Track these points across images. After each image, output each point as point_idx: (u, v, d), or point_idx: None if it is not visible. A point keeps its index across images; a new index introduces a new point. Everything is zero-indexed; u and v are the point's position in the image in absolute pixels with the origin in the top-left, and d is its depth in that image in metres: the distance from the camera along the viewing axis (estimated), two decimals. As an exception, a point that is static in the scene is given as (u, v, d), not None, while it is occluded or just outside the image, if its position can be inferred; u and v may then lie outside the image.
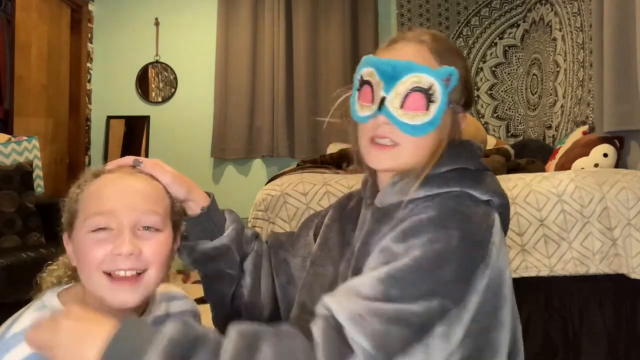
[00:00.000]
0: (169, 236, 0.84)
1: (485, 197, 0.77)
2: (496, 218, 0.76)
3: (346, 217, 0.92)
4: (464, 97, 0.84)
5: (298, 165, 2.42)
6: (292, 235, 1.03)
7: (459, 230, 0.70)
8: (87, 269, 0.78)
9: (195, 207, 0.90)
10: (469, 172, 0.80)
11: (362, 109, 0.82)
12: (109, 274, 0.77)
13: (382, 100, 0.78)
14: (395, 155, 0.79)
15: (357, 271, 0.77)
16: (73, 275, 0.88)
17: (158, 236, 0.82)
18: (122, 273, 0.77)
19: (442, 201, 0.75)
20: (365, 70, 0.82)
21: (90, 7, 4.24)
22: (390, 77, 0.78)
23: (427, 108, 0.77)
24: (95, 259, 0.77)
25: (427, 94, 0.77)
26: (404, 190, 0.78)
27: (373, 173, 0.87)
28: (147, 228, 0.81)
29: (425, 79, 0.77)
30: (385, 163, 0.80)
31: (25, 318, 0.78)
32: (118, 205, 0.79)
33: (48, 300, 0.82)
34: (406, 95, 0.77)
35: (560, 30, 3.14)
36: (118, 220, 0.78)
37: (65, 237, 0.85)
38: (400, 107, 0.77)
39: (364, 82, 0.82)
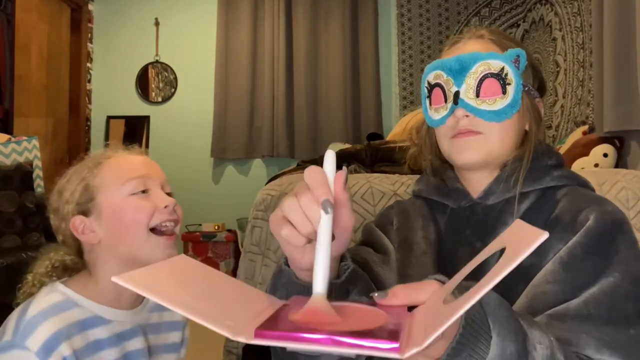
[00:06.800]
0: None
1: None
2: None
3: (410, 226, 0.86)
4: (537, 82, 0.82)
5: (298, 165, 2.42)
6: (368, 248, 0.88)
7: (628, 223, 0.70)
8: (135, 228, 0.86)
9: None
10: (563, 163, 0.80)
11: (436, 113, 0.79)
12: (152, 231, 0.87)
13: (456, 94, 0.75)
14: (481, 142, 0.75)
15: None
16: (59, 275, 0.91)
17: (175, 199, 0.93)
18: (168, 224, 0.89)
19: (588, 194, 0.74)
20: (431, 75, 0.80)
21: (90, 7, 4.24)
22: (459, 71, 0.76)
23: (504, 91, 0.74)
24: (145, 215, 0.86)
25: (501, 78, 0.74)
26: (515, 184, 0.75)
27: (454, 179, 0.83)
28: (167, 194, 0.92)
29: (495, 64, 0.75)
30: (472, 154, 0.76)
31: (36, 302, 0.82)
32: (148, 171, 0.91)
33: (55, 286, 0.86)
34: (479, 84, 0.75)
35: (560, 30, 3.14)
36: (152, 183, 0.90)
37: (75, 220, 0.87)
38: (477, 96, 0.75)
39: (432, 87, 0.79)
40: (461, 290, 0.45)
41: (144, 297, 0.92)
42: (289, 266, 0.64)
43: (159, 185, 0.91)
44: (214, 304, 0.49)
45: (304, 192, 0.53)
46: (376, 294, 0.49)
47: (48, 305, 0.81)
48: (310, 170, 0.54)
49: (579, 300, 0.63)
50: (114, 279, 0.44)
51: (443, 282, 0.50)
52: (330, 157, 0.55)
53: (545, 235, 0.40)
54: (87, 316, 0.84)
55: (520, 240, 0.43)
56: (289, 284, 0.64)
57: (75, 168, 0.92)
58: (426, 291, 0.48)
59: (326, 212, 0.51)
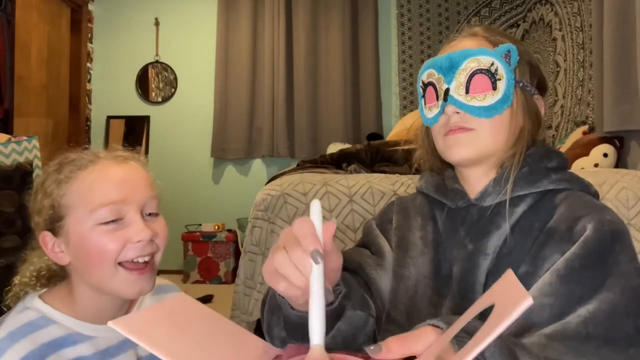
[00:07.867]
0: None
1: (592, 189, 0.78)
2: None
3: (409, 225, 0.86)
4: (536, 79, 0.80)
5: (298, 165, 2.42)
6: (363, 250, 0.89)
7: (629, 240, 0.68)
8: (100, 263, 0.77)
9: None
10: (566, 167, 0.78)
11: (430, 111, 0.79)
12: (120, 264, 0.78)
13: (446, 91, 0.76)
14: (473, 138, 0.75)
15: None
16: (44, 283, 0.86)
17: (160, 220, 0.83)
18: (141, 259, 0.78)
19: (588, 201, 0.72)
20: (425, 74, 0.81)
21: (90, 7, 4.24)
22: (449, 68, 0.76)
23: (494, 87, 0.74)
24: (112, 251, 0.76)
25: (491, 74, 0.74)
26: (511, 186, 0.74)
27: (453, 180, 0.82)
28: (149, 214, 0.82)
29: (485, 59, 0.74)
30: (463, 150, 0.75)
31: (8, 322, 0.77)
32: (125, 194, 0.79)
33: (30, 302, 0.81)
34: (469, 80, 0.74)
35: (560, 30, 3.14)
36: (128, 208, 0.79)
37: (45, 236, 0.80)
38: (466, 92, 0.75)
39: (426, 86, 0.80)
40: (459, 342, 0.45)
41: (127, 310, 0.87)
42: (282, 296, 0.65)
43: (137, 209, 0.79)
44: (209, 353, 0.50)
45: (293, 246, 0.54)
46: (372, 347, 0.48)
47: (19, 326, 0.76)
48: (298, 222, 0.55)
49: (577, 319, 0.61)
50: (110, 324, 0.44)
51: (438, 327, 0.49)
52: (316, 207, 0.56)
53: (529, 302, 0.39)
54: (66, 333, 0.79)
55: (507, 301, 0.42)
56: (284, 308, 0.65)
57: (50, 172, 0.83)
58: (422, 342, 0.48)
59: (316, 262, 0.52)
